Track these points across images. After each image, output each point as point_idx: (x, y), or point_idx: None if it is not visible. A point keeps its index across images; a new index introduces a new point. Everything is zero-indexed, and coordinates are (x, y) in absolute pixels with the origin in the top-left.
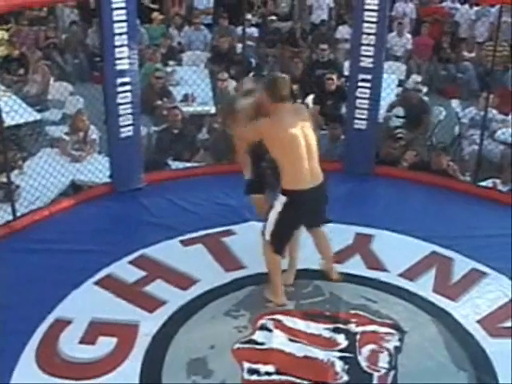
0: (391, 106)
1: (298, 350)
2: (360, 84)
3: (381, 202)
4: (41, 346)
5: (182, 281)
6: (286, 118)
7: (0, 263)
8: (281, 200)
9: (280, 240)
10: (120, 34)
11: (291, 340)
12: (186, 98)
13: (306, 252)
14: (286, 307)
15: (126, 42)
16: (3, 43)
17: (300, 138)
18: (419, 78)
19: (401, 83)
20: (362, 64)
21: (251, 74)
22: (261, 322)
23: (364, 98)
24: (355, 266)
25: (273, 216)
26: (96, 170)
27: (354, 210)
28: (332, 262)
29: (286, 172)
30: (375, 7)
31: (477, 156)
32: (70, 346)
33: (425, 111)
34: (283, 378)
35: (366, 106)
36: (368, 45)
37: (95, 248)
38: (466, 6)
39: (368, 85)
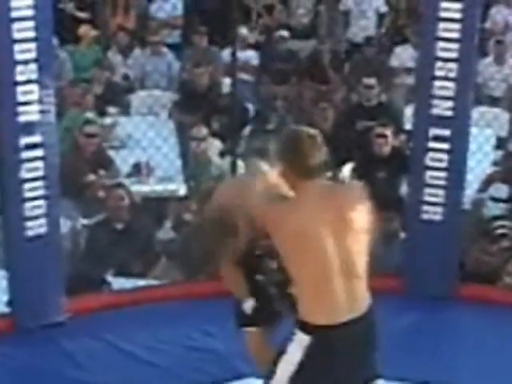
0: (486, 183)
1: None
2: (432, 145)
3: (468, 343)
4: None
5: None
6: (312, 203)
7: None
8: (300, 341)
9: None
10: (24, 62)
11: None
12: (137, 170)
13: None
14: None
15: (34, 76)
16: None
17: (329, 238)
18: None
19: (501, 143)
20: (436, 111)
21: (248, 129)
22: None
23: (439, 169)
24: None
25: (284, 368)
26: None
27: (422, 358)
28: None
29: (306, 294)
30: (457, 15)
31: None
32: None
33: None
34: None
35: (442, 183)
36: (446, 78)
37: None
38: None
39: (446, 146)
